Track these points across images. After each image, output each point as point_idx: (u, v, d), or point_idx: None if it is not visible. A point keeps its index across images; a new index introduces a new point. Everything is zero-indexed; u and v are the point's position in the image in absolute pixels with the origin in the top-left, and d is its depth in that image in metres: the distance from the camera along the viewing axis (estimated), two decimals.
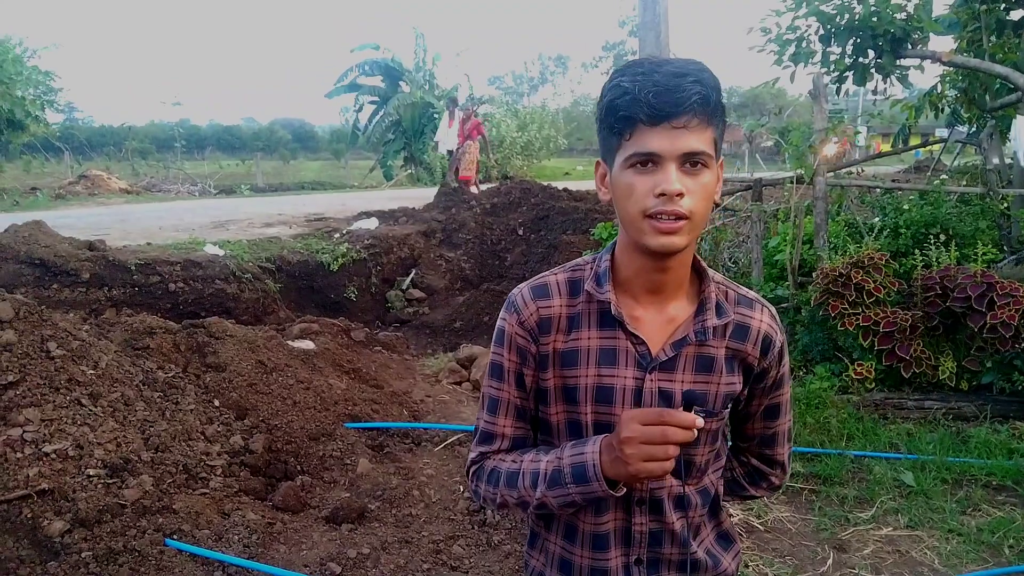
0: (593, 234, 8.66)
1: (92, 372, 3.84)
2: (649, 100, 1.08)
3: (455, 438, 4.54)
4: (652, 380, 1.24)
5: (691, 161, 1.11)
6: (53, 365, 3.81)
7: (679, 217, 1.11)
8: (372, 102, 28.13)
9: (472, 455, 1.37)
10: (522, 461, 1.28)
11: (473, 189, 13.59)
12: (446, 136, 15.64)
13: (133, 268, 6.53)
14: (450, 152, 15.39)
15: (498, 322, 1.32)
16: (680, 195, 1.10)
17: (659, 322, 1.26)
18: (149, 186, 21.75)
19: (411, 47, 28.09)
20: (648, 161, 1.10)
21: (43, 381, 3.71)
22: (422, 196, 13.83)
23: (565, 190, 11.17)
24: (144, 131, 36.95)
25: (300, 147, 46.00)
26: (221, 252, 7.49)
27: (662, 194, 1.10)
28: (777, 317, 1.34)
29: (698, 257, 1.29)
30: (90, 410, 3.67)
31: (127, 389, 3.81)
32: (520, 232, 10.09)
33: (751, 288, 1.49)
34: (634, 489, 1.27)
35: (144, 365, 4.06)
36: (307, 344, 5.25)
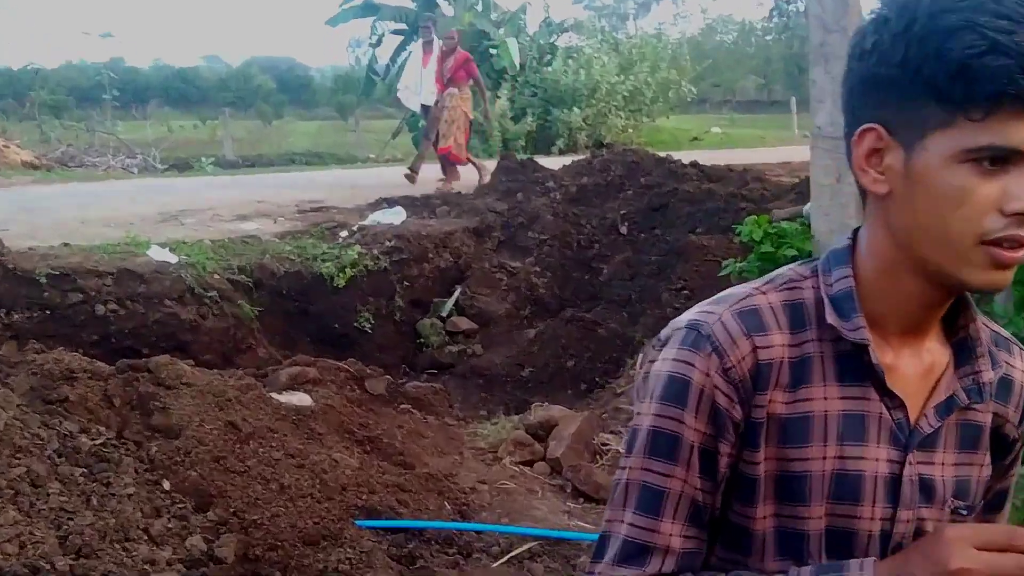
0: (738, 233, 8.56)
1: None
2: None
3: (526, 548, 4.53)
4: (912, 464, 1.26)
5: None
6: None
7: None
8: (397, 31, 28.53)
9: None
10: None
11: (463, 169, 13.58)
12: (418, 81, 14.53)
13: (44, 281, 6.74)
14: (425, 108, 14.40)
15: (665, 366, 1.27)
16: None
17: (916, 375, 1.28)
18: (65, 158, 22.48)
19: None
20: (1004, 161, 1.09)
21: None
22: (472, 173, 13.95)
23: (694, 165, 11.12)
24: (58, 76, 38.21)
25: (288, 100, 47.03)
26: (173, 258, 7.67)
27: (1019, 214, 1.09)
28: None
29: None
30: None
31: (36, 463, 3.93)
32: (623, 230, 10.08)
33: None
34: None
35: (61, 427, 4.18)
36: (301, 398, 5.33)
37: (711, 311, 1.27)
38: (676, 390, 1.24)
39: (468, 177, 13.68)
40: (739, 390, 1.23)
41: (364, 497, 4.62)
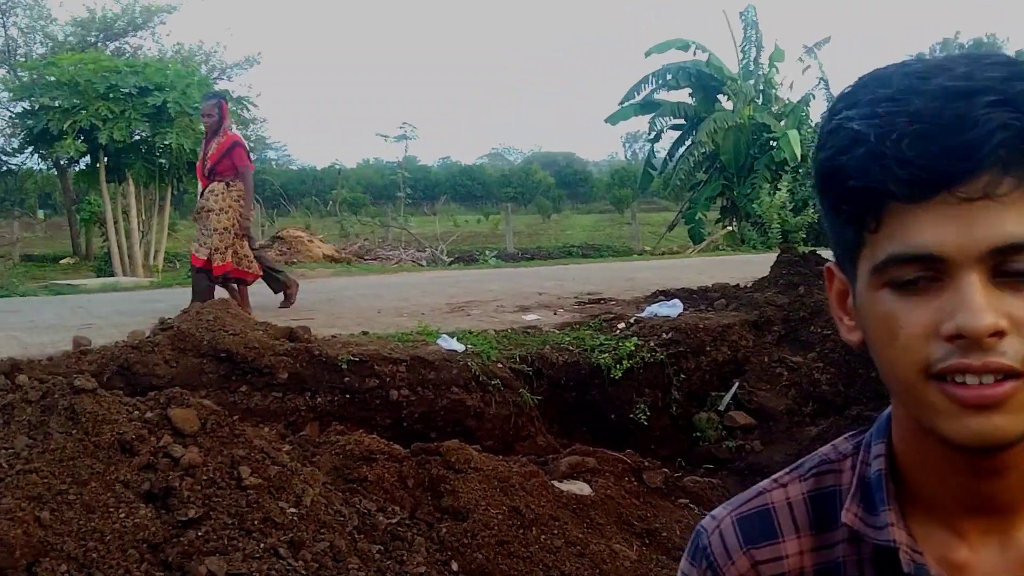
0: None
1: (293, 511, 4.29)
2: (902, 151, 0.87)
3: None
4: None
5: (1009, 265, 0.88)
6: (245, 498, 4.32)
7: (1004, 375, 0.87)
8: (675, 126, 28.85)
9: None
10: None
11: (238, 287, 10.30)
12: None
13: (344, 367, 7.21)
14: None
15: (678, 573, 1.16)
16: (999, 333, 0.87)
17: (1006, 569, 1.00)
18: (362, 252, 24.04)
19: (737, 42, 28.31)
20: (921, 271, 0.90)
21: (232, 520, 4.22)
22: (751, 267, 13.83)
23: None
24: (356, 175, 40.90)
25: (567, 194, 48.13)
26: (460, 347, 8.02)
27: (957, 336, 0.87)
28: None
29: None
30: (289, 564, 4.09)
31: (338, 538, 4.20)
32: None
33: None
34: None
35: (360, 505, 4.46)
36: (580, 487, 5.43)
37: (716, 515, 1.12)
38: None
39: (756, 266, 13.53)
40: None
41: None
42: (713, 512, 1.13)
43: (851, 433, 1.15)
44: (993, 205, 0.86)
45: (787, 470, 1.13)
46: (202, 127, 10.94)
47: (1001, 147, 0.84)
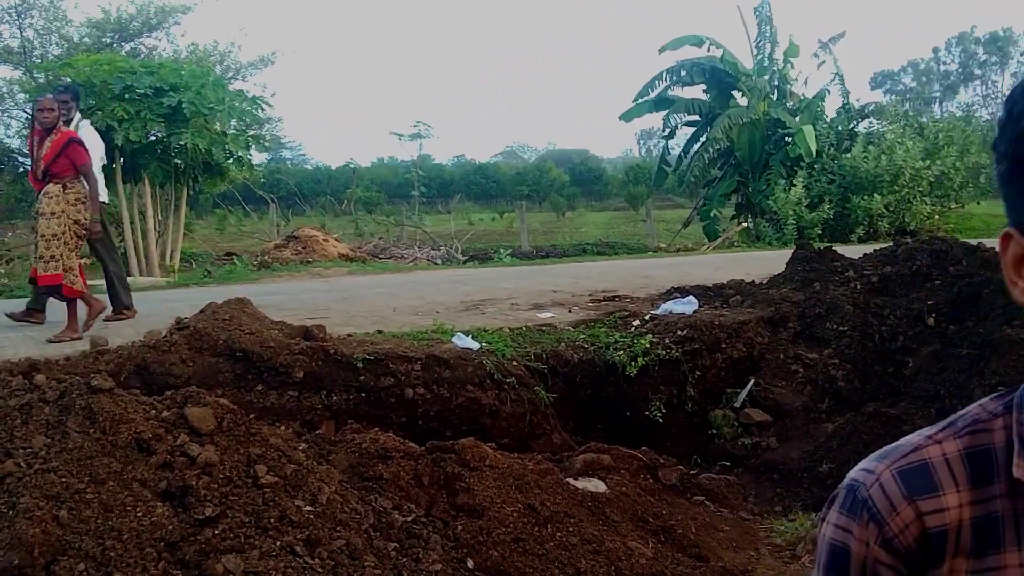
0: None
1: (309, 509, 4.32)
2: None
3: None
4: None
5: None
6: (261, 496, 4.35)
7: None
8: (689, 122, 28.89)
9: None
10: None
11: (79, 308, 9.13)
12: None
13: (360, 365, 7.23)
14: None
15: (827, 529, 1.17)
16: None
17: None
18: (377, 250, 24.09)
19: (751, 37, 28.30)
20: None
21: (248, 518, 4.25)
22: (766, 263, 13.83)
23: None
24: (371, 174, 40.97)
25: (581, 192, 48.10)
26: (475, 345, 8.03)
27: None
28: None
29: None
30: (305, 562, 4.12)
31: (354, 536, 4.22)
32: (931, 322, 9.67)
33: None
34: None
35: (376, 503, 4.48)
36: (596, 485, 5.44)
37: (872, 469, 1.14)
38: (838, 562, 1.14)
39: (772, 262, 13.51)
40: (906, 563, 1.09)
41: None
42: (864, 466, 1.15)
43: (995, 395, 1.16)
44: None
45: (939, 427, 1.15)
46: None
47: None
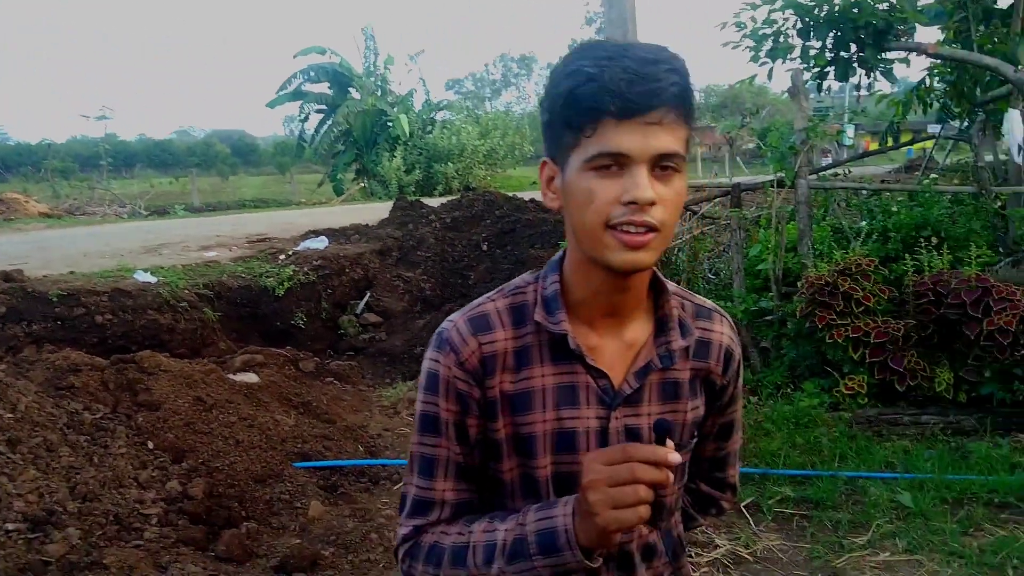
0: (563, 247, 8.77)
1: (10, 416, 3.79)
2: (620, 89, 1.00)
3: None
4: (617, 418, 1.18)
5: (663, 164, 1.04)
6: None
7: (649, 229, 1.04)
8: (319, 111, 28.25)
9: (402, 531, 1.25)
10: (470, 532, 1.17)
11: None
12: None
13: (55, 300, 6.44)
14: None
15: (426, 364, 1.21)
16: (652, 204, 1.03)
17: (618, 349, 1.20)
18: (72, 209, 21.53)
19: (361, 50, 28.21)
20: (614, 163, 1.03)
21: None
22: (376, 212, 13.85)
23: (532, 201, 11.25)
24: (65, 148, 36.53)
25: (240, 162, 45.77)
26: (153, 279, 7.42)
27: (632, 202, 1.02)
28: (734, 327, 1.33)
29: (655, 269, 1.21)
30: (8, 458, 3.62)
31: (50, 433, 3.77)
32: (484, 248, 10.14)
33: (707, 297, 1.43)
34: (609, 549, 1.15)
35: (68, 406, 4.02)
36: (250, 377, 5.23)
37: (453, 319, 1.21)
38: (431, 382, 1.19)
39: (381, 211, 13.50)
40: (473, 376, 1.17)
41: (299, 446, 4.57)
42: (449, 318, 1.22)
43: (530, 272, 1.28)
44: (661, 128, 1.02)
45: (495, 292, 1.25)
46: None
47: (670, 95, 1.02)
